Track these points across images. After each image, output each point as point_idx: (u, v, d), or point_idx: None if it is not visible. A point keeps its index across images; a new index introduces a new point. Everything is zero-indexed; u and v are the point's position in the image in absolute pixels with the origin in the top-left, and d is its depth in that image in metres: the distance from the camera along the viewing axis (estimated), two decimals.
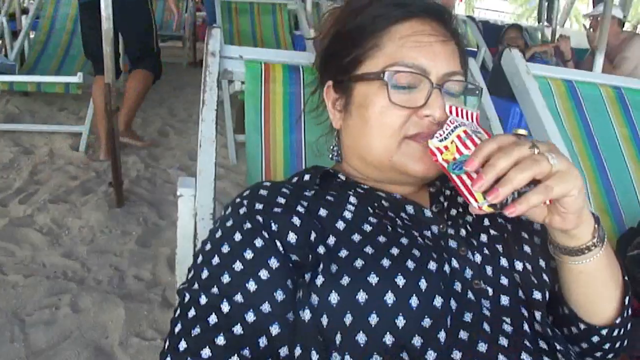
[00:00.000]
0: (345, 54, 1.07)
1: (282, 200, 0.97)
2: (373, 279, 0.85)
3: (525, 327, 0.91)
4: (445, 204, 1.07)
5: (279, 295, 0.88)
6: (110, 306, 2.46)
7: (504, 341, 0.86)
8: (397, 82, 0.99)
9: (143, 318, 2.40)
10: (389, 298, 0.83)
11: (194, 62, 8.01)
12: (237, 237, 0.91)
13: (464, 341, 0.85)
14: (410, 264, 0.88)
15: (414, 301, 0.84)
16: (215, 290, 0.87)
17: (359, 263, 0.87)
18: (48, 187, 3.59)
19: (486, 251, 0.97)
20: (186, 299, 0.89)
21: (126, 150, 4.27)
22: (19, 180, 3.70)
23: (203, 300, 0.86)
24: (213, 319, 0.84)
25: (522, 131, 0.87)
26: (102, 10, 3.07)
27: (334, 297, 0.85)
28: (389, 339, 0.82)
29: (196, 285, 0.89)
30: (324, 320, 0.85)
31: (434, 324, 0.84)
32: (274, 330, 0.86)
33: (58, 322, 2.34)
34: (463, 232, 1.00)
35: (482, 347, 0.85)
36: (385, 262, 0.87)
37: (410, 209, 1.01)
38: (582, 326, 1.00)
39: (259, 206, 0.95)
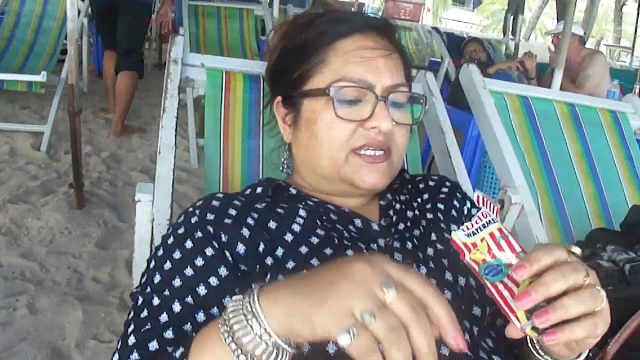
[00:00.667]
0: (293, 70, 1.10)
1: (233, 212, 0.99)
2: None
3: (467, 336, 0.93)
4: (394, 217, 1.10)
5: (228, 302, 0.89)
6: (68, 308, 2.45)
7: (444, 350, 0.88)
8: (343, 97, 1.03)
9: (100, 320, 2.40)
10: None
11: (159, 64, 7.97)
12: (189, 244, 0.94)
13: None
14: None
15: None
16: (167, 292, 0.89)
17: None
18: (8, 187, 3.55)
19: (432, 264, 1.00)
20: (139, 302, 0.90)
21: (87, 151, 4.25)
22: None
23: (155, 301, 0.88)
24: (164, 317, 0.86)
25: (576, 249, 0.77)
26: (67, 11, 3.06)
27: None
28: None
29: (149, 289, 0.91)
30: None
31: None
32: None
33: (15, 323, 2.32)
34: (409, 245, 1.03)
35: None
36: None
37: (358, 222, 1.05)
38: None
39: (210, 216, 0.97)
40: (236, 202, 1.02)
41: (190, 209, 1.01)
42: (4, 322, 2.32)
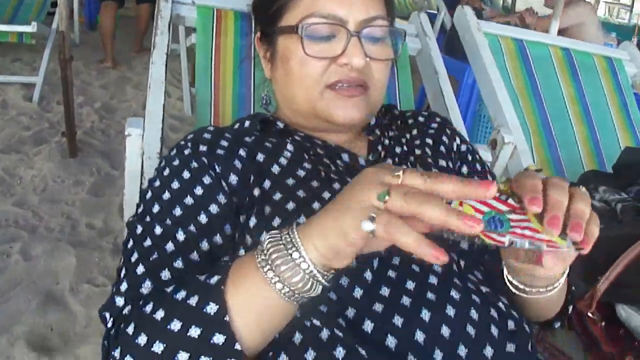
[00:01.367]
0: (270, 5, 1.08)
1: (224, 144, 0.99)
2: (302, 220, 0.86)
3: (455, 268, 0.93)
4: (383, 153, 1.09)
5: (228, 229, 0.91)
6: (62, 254, 2.46)
7: (433, 279, 0.88)
8: (313, 34, 1.00)
9: (94, 265, 2.41)
10: (316, 207, 0.88)
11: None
12: (186, 174, 0.94)
13: (392, 279, 0.87)
14: None
15: None
16: (169, 221, 0.88)
17: (290, 206, 0.90)
18: (0, 138, 3.54)
19: None
20: (139, 230, 0.89)
21: (80, 102, 4.22)
22: None
23: (158, 230, 0.87)
24: (170, 246, 0.85)
25: (534, 167, 0.79)
26: None
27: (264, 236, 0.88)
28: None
29: (148, 218, 0.90)
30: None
31: (360, 264, 0.86)
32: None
33: (9, 269, 2.33)
34: None
35: (410, 285, 0.87)
36: (316, 205, 0.90)
37: (345, 157, 1.04)
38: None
39: (203, 148, 0.97)
40: (227, 134, 1.01)
41: (182, 142, 1.00)
42: None
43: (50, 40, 4.28)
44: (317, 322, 0.82)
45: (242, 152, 0.98)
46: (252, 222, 0.90)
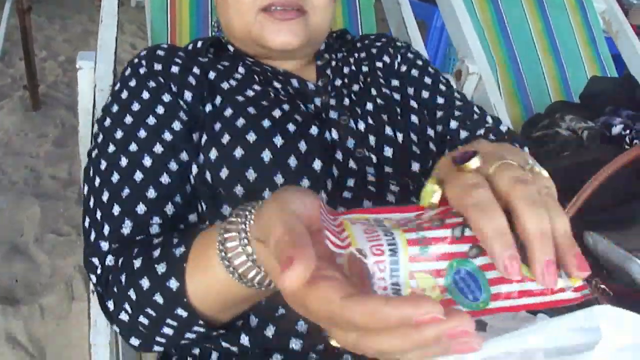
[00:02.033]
0: None
1: (178, 61, 0.97)
2: (251, 137, 0.87)
3: (411, 188, 0.92)
4: (331, 75, 1.06)
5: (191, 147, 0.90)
6: (26, 205, 2.41)
7: (391, 197, 0.87)
8: None
9: (59, 215, 2.38)
10: (266, 156, 0.85)
11: None
12: (145, 95, 0.92)
13: (348, 199, 0.86)
14: (290, 127, 0.90)
15: (292, 161, 0.86)
16: (133, 147, 0.86)
17: (240, 122, 0.89)
18: None
19: (370, 120, 0.97)
20: (103, 165, 0.86)
21: (43, 56, 4.11)
22: None
23: (124, 161, 0.85)
24: (139, 175, 0.84)
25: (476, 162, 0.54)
26: None
27: (213, 153, 0.86)
28: (268, 194, 0.83)
29: (112, 147, 0.87)
30: (208, 176, 0.86)
31: (312, 185, 0.85)
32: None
33: None
34: (347, 101, 1.00)
35: (368, 204, 0.86)
36: (266, 123, 0.89)
37: (295, 82, 1.02)
38: None
39: (157, 67, 0.95)
40: (180, 53, 0.99)
41: (136, 60, 0.98)
42: None
43: None
44: None
45: (195, 70, 0.97)
46: (204, 139, 0.89)
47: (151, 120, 0.89)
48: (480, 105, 1.11)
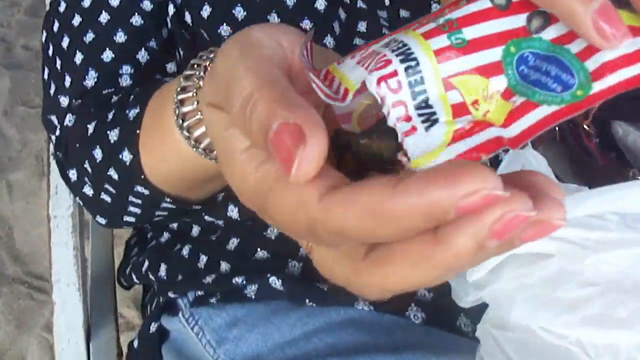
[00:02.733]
0: None
1: None
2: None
3: None
4: None
5: None
6: None
7: None
8: None
9: (30, 86, 2.19)
10: None
11: None
12: None
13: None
14: None
15: None
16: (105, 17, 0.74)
17: None
18: None
19: None
20: (62, 6, 0.75)
21: None
22: None
23: (86, 2, 0.74)
24: (104, 16, 0.73)
25: None
26: None
27: None
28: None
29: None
30: (187, 17, 0.74)
31: (316, 27, 0.73)
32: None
33: None
34: None
35: None
36: None
37: None
38: None
39: None
40: None
41: None
42: None
43: None
44: None
45: None
46: None
47: None
48: None
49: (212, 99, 0.35)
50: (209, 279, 0.69)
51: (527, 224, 0.23)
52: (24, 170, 1.87)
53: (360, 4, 0.78)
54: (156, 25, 0.76)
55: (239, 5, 0.72)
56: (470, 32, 0.30)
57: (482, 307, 0.51)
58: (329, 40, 0.72)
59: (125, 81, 0.71)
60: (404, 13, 0.80)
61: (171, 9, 0.75)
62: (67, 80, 0.71)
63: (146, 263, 0.78)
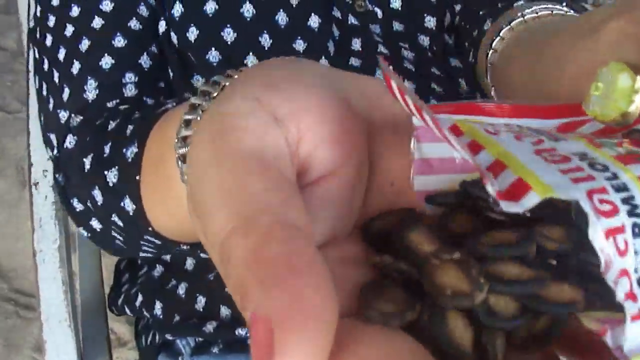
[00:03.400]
0: None
1: None
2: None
3: (429, 54, 0.77)
4: None
5: None
6: None
7: (409, 65, 0.74)
8: None
9: (7, 90, 2.14)
10: (247, 11, 0.70)
11: None
12: None
13: (356, 68, 0.72)
14: None
15: (282, 17, 0.71)
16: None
17: None
18: None
19: None
20: (51, 21, 0.71)
21: None
22: None
23: (75, 11, 0.70)
24: (98, 22, 0.69)
25: None
26: None
27: (177, 9, 0.71)
28: (252, 60, 0.70)
29: None
30: (174, 38, 0.71)
31: (310, 47, 0.71)
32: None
33: None
34: None
35: (382, 75, 0.64)
36: None
37: None
38: None
39: None
40: None
41: None
42: None
43: None
44: None
45: None
46: None
47: None
48: None
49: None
50: (210, 327, 0.67)
51: None
52: (4, 179, 1.82)
53: (352, 19, 0.75)
54: (156, 29, 0.72)
55: (228, 26, 0.69)
56: None
57: None
58: (323, 62, 0.69)
59: (129, 91, 0.67)
60: (397, 26, 0.77)
61: (162, 25, 0.72)
62: (66, 92, 0.68)
63: (139, 297, 0.75)
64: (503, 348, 0.21)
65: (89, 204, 0.60)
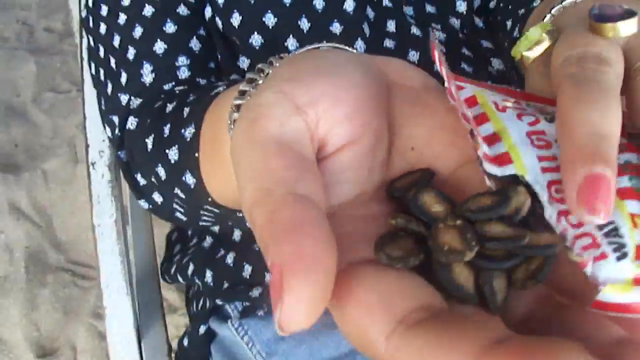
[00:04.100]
0: None
1: None
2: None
3: (460, 35, 0.78)
4: None
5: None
6: (20, 63, 2.20)
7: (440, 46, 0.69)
8: None
9: (56, 71, 2.16)
10: None
11: None
12: None
13: (391, 50, 0.73)
14: None
15: (319, 2, 0.71)
16: None
17: None
18: None
19: None
20: (104, 10, 0.75)
21: None
22: None
23: (127, 1, 0.73)
24: (149, 10, 0.73)
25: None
26: None
27: None
28: (292, 43, 0.71)
29: None
30: (219, 23, 0.73)
31: (346, 30, 0.71)
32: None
33: None
34: None
35: (414, 56, 0.73)
36: None
37: None
38: None
39: None
40: None
41: None
42: None
43: None
44: None
45: None
46: None
47: None
48: None
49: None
50: (256, 292, 0.71)
51: None
52: (58, 158, 1.86)
53: (386, 2, 0.76)
54: (202, 15, 0.75)
55: (269, 11, 0.71)
56: None
57: None
58: (359, 44, 0.71)
59: (183, 73, 0.71)
60: (429, 8, 0.78)
61: (208, 11, 0.75)
62: (124, 77, 0.71)
63: (191, 266, 0.79)
64: (503, 287, 0.27)
65: (153, 179, 0.65)
